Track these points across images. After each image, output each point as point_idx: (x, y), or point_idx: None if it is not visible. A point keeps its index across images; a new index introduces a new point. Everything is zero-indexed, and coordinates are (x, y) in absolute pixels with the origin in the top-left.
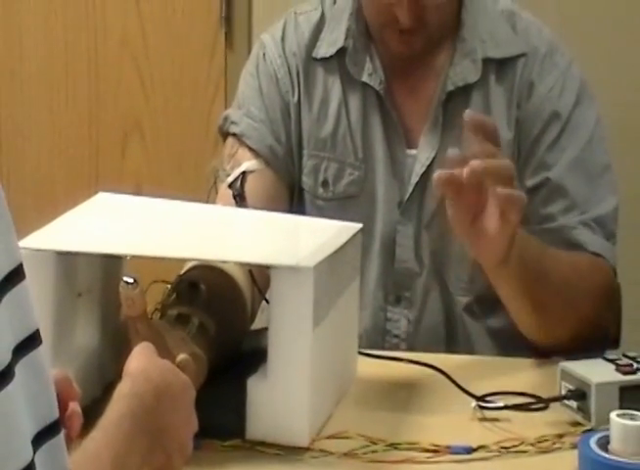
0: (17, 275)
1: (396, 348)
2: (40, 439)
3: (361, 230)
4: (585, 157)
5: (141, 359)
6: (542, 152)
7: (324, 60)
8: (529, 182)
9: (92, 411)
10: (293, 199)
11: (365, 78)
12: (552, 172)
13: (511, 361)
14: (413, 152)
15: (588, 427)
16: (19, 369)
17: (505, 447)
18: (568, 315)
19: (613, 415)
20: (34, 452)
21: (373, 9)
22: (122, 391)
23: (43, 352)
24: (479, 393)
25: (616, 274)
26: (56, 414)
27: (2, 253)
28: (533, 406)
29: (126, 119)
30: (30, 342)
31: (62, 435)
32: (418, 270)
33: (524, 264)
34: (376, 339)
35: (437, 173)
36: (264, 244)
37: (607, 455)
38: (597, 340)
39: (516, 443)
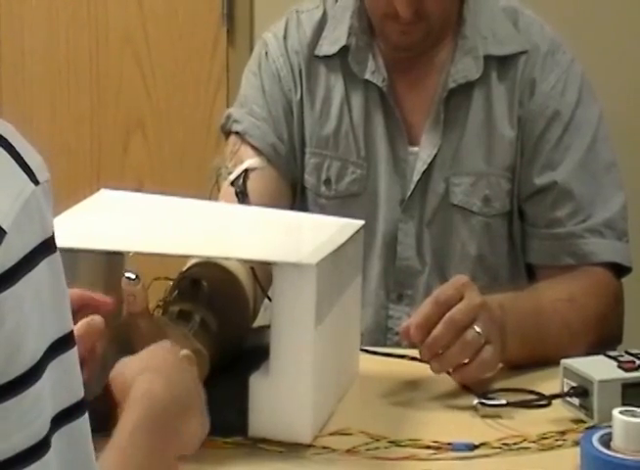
0: (65, 343)
1: (398, 345)
2: None
3: (363, 228)
4: (590, 157)
5: (139, 384)
6: (547, 151)
7: (326, 58)
8: (537, 181)
9: (93, 409)
10: (295, 197)
11: (368, 76)
12: (558, 174)
13: None
14: (415, 149)
15: (590, 424)
16: (56, 439)
17: (507, 444)
18: (572, 345)
19: (615, 412)
20: None
21: (374, 2)
22: (126, 420)
23: (85, 422)
24: (480, 389)
25: (630, 271)
26: None
27: (53, 320)
28: (535, 403)
29: (128, 117)
30: (72, 412)
31: None
32: (420, 268)
33: (520, 340)
34: (378, 336)
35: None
36: (267, 241)
37: (609, 452)
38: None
39: (518, 440)
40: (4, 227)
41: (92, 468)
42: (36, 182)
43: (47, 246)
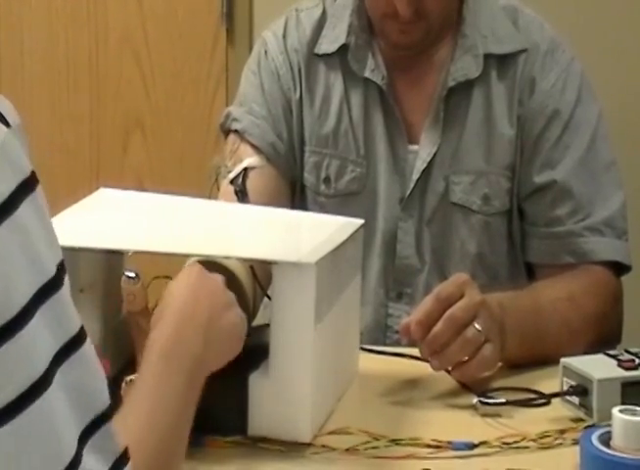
0: (56, 282)
1: (398, 344)
2: (88, 433)
3: (362, 226)
4: (590, 156)
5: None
6: (546, 150)
7: (326, 56)
8: (537, 180)
9: None
10: (294, 195)
11: (367, 74)
12: (558, 173)
13: None
14: (414, 148)
15: (590, 423)
16: (62, 371)
17: (506, 443)
18: (571, 344)
19: (614, 411)
20: (84, 446)
21: (374, 1)
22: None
23: (88, 348)
24: (480, 388)
25: (629, 270)
26: (106, 404)
27: (41, 261)
28: (535, 402)
29: (128, 116)
30: (72, 344)
31: (112, 423)
32: (419, 266)
33: (520, 338)
34: (377, 335)
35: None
36: (266, 240)
37: (609, 451)
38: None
39: (517, 438)
40: None
41: (103, 389)
42: (7, 125)
43: (26, 186)
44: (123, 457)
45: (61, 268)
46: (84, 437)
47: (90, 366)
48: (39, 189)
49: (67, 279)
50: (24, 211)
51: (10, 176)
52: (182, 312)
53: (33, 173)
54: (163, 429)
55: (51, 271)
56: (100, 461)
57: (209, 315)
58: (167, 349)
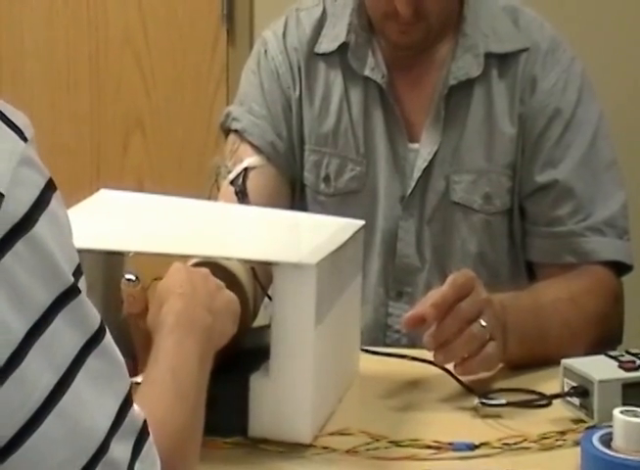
0: (71, 293)
1: (397, 343)
2: (117, 422)
3: (363, 227)
4: (591, 155)
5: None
6: (548, 148)
7: (325, 55)
8: (539, 179)
9: None
10: (294, 195)
11: (367, 73)
12: (560, 172)
13: None
14: (415, 146)
15: (591, 424)
16: (88, 363)
17: (507, 444)
18: (572, 345)
19: (615, 412)
20: (113, 435)
21: (374, 1)
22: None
23: (108, 339)
24: (481, 389)
25: (630, 269)
26: (128, 385)
27: (67, 259)
28: (536, 403)
29: (128, 116)
30: (94, 340)
31: (134, 408)
32: (419, 265)
33: (520, 339)
34: (377, 334)
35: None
36: (267, 241)
37: (609, 452)
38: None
39: (518, 439)
40: (1, 190)
41: (124, 372)
42: (25, 139)
43: (42, 201)
44: (144, 432)
45: (77, 273)
46: (114, 428)
47: (112, 355)
48: (54, 205)
49: (83, 280)
50: (42, 226)
51: (26, 194)
52: (184, 294)
53: (51, 180)
54: (187, 404)
55: (69, 280)
56: (125, 444)
57: (208, 293)
58: (180, 322)
